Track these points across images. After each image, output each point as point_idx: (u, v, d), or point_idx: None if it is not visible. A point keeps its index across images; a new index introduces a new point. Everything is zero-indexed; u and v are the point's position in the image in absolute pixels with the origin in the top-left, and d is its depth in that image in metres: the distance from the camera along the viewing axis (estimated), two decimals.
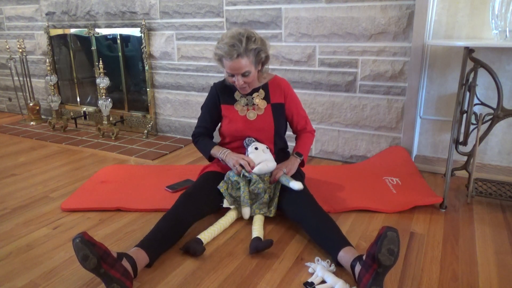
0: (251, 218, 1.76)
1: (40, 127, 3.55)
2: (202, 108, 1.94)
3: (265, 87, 1.86)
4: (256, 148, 1.77)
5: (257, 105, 1.84)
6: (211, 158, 1.90)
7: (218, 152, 1.82)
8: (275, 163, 1.77)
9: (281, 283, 1.36)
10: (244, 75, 1.68)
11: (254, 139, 1.82)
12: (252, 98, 1.84)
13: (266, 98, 1.85)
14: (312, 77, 2.56)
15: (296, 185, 1.66)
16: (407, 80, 2.29)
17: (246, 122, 1.82)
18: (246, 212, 1.74)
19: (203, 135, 1.93)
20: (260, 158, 1.75)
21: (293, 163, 1.83)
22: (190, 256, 1.51)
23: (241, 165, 1.73)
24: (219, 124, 1.94)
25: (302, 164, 1.89)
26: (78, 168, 2.52)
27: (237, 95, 1.86)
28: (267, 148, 1.80)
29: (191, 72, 3.00)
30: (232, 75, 1.70)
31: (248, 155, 1.77)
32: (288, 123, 1.95)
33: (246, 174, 1.72)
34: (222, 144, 1.91)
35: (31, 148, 2.96)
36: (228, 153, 1.79)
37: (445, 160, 2.34)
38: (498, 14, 1.80)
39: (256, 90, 1.85)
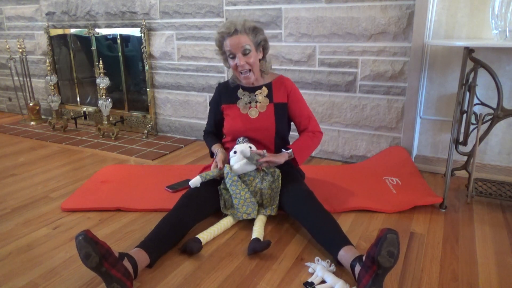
0: (252, 219, 1.76)
1: (40, 127, 3.56)
2: (209, 104, 2.00)
3: (268, 85, 1.87)
4: (235, 152, 1.76)
5: (260, 102, 1.84)
6: (213, 155, 1.93)
7: (214, 150, 1.89)
8: (247, 161, 1.73)
9: (281, 283, 1.36)
10: (244, 53, 1.71)
11: (246, 139, 1.81)
12: (255, 96, 1.85)
13: (269, 96, 1.85)
14: (312, 77, 2.56)
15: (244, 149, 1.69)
16: (407, 80, 2.29)
17: (247, 121, 1.82)
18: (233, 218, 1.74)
19: (208, 132, 2.01)
20: (236, 160, 1.75)
21: (279, 154, 1.78)
22: (190, 256, 1.51)
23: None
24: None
25: (296, 163, 1.83)
26: (78, 168, 2.52)
27: (240, 92, 1.86)
28: (250, 147, 1.74)
29: (191, 72, 3.00)
30: (234, 58, 1.72)
31: (229, 159, 1.79)
32: (293, 123, 1.94)
33: (226, 171, 1.73)
34: (225, 142, 1.93)
35: (31, 148, 2.96)
36: (218, 151, 1.85)
37: (445, 160, 2.34)
38: (498, 14, 1.80)
39: (259, 87, 1.86)
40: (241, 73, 1.76)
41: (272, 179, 1.75)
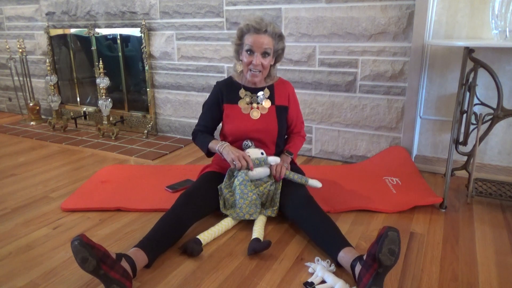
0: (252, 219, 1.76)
1: (40, 127, 3.56)
2: (204, 106, 1.93)
3: (270, 87, 1.87)
4: (249, 156, 1.75)
5: (261, 104, 1.83)
6: (209, 154, 1.87)
7: (216, 145, 1.78)
8: (267, 169, 1.75)
9: (281, 283, 1.36)
10: (264, 55, 1.71)
11: (252, 142, 1.81)
12: (257, 97, 1.84)
13: (271, 98, 1.85)
14: (312, 77, 2.56)
15: (316, 183, 1.75)
16: (407, 80, 2.29)
17: (249, 121, 1.81)
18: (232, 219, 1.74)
19: (200, 131, 1.91)
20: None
21: (287, 161, 1.85)
22: (190, 257, 1.51)
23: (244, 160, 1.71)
24: (220, 125, 1.93)
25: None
26: (78, 168, 2.52)
27: (241, 92, 1.85)
28: (262, 154, 1.76)
29: (191, 72, 3.00)
30: (252, 54, 1.71)
31: None
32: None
33: (243, 174, 1.71)
34: None
35: (31, 148, 2.96)
36: (227, 145, 1.75)
37: (445, 160, 2.34)
38: (498, 14, 1.80)
39: (261, 89, 1.85)
40: (251, 70, 1.75)
41: (274, 180, 1.77)
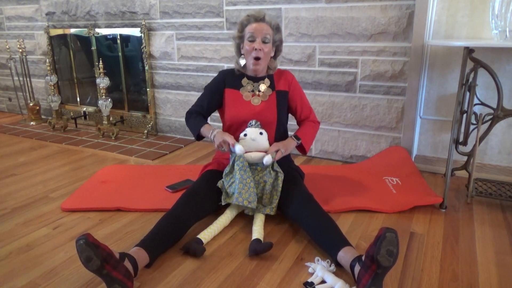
0: (251, 218, 1.76)
1: (40, 127, 3.56)
2: (204, 88, 1.97)
3: (270, 76, 1.92)
4: (245, 135, 1.76)
5: (263, 92, 1.87)
6: (199, 137, 1.88)
7: (208, 131, 1.81)
8: (260, 153, 1.75)
9: (281, 283, 1.36)
10: (264, 41, 1.78)
11: (256, 122, 1.81)
12: (258, 85, 1.88)
13: (272, 86, 1.90)
14: (312, 77, 2.56)
15: (265, 158, 1.68)
16: (407, 80, 2.29)
17: (250, 108, 1.84)
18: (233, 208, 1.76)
19: (196, 113, 1.92)
20: (248, 146, 1.74)
21: (289, 143, 1.82)
22: (190, 256, 1.51)
23: (226, 144, 1.72)
24: (221, 113, 1.96)
25: (303, 151, 1.90)
26: (78, 168, 2.52)
27: (244, 81, 1.89)
28: (260, 134, 1.77)
29: (191, 72, 3.00)
30: (253, 41, 1.78)
31: (239, 142, 1.77)
32: (291, 113, 1.97)
33: (235, 152, 1.71)
34: (224, 130, 1.91)
35: (31, 148, 2.96)
36: (216, 132, 1.77)
37: (445, 160, 2.34)
38: (498, 14, 1.80)
39: (262, 78, 1.90)
40: (254, 58, 1.79)
41: (275, 176, 1.76)
